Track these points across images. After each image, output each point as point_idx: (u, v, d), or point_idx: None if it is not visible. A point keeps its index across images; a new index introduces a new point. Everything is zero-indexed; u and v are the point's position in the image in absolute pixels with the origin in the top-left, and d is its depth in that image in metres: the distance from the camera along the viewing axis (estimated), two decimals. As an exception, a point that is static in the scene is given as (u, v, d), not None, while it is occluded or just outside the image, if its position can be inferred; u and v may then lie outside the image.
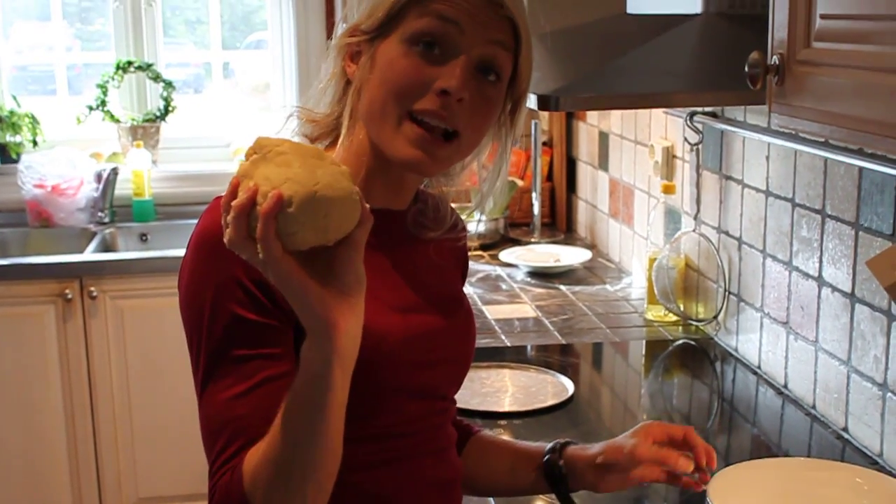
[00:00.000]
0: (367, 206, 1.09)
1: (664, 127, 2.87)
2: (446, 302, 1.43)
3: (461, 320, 1.45)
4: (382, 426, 1.32)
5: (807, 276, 2.08)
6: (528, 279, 3.16)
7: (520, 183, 3.79)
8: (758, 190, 2.28)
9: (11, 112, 4.09)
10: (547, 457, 1.49)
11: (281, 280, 1.05)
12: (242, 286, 1.16)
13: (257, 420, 1.17)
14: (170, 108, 4.21)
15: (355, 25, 1.30)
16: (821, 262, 2.03)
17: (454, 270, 1.50)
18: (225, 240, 1.05)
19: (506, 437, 1.60)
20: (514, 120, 1.36)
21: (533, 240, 3.62)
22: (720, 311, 2.52)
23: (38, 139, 4.14)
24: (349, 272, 1.08)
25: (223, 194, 1.26)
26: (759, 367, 2.33)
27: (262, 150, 1.08)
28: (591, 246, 3.53)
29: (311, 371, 1.09)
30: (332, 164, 1.08)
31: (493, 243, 3.54)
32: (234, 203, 1.04)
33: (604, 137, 3.44)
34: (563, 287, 3.06)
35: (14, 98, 4.15)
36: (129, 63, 4.16)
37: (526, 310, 2.84)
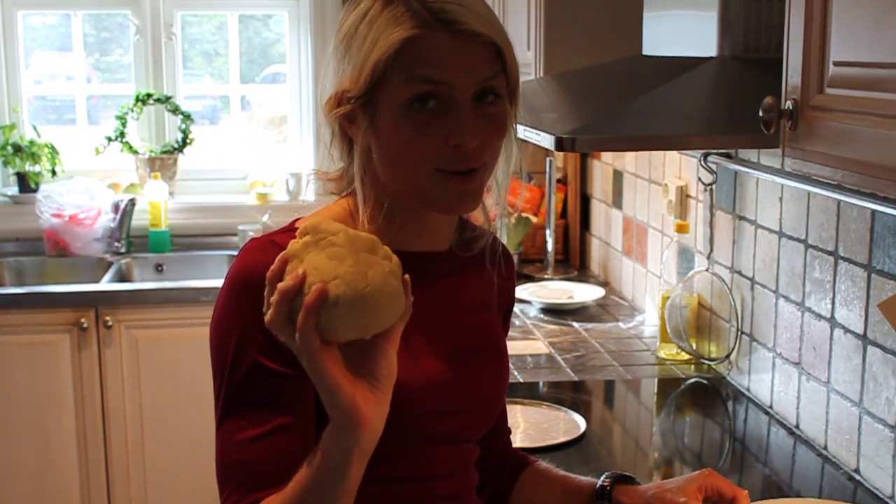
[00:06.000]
0: (412, 298, 1.11)
1: (678, 166, 2.89)
2: (480, 345, 1.43)
3: (492, 366, 1.45)
4: (400, 469, 1.33)
5: (819, 317, 2.09)
6: (541, 315, 3.17)
7: (534, 220, 3.80)
8: (771, 231, 2.30)
9: (31, 142, 4.14)
10: (598, 501, 1.49)
11: (313, 372, 1.07)
12: (266, 334, 1.15)
13: (267, 467, 1.21)
14: (188, 141, 4.24)
15: (342, 92, 1.28)
16: (833, 303, 2.04)
17: (496, 310, 1.49)
18: (266, 319, 1.07)
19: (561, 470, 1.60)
20: (514, 104, 1.34)
21: (546, 276, 3.63)
22: (732, 350, 2.52)
23: (57, 169, 4.18)
24: (382, 366, 1.10)
25: (259, 235, 1.29)
26: (770, 407, 2.33)
27: (316, 235, 1.08)
28: (605, 283, 3.54)
29: (330, 459, 1.11)
30: (384, 257, 1.09)
31: (507, 279, 3.54)
32: (279, 286, 1.06)
33: (618, 176, 3.46)
34: (575, 324, 3.07)
35: (34, 128, 4.20)
36: (149, 95, 4.21)
37: (538, 346, 2.85)
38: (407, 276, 1.11)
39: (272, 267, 1.08)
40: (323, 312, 1.04)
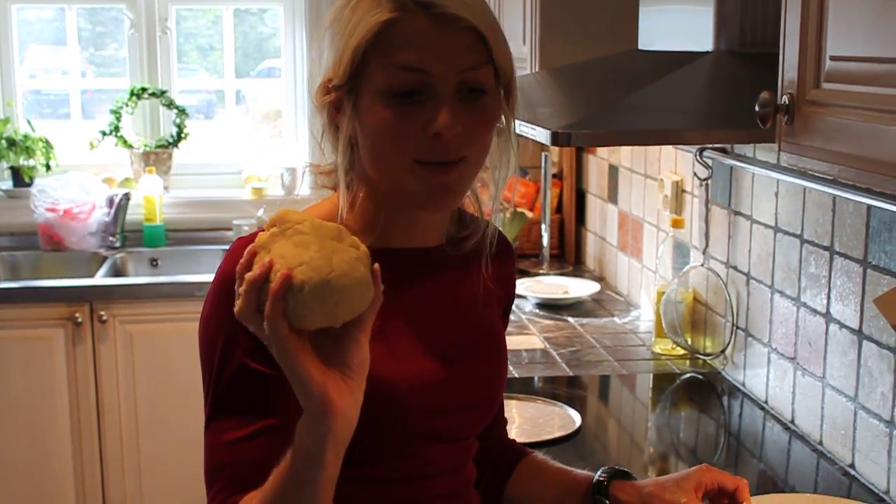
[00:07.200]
0: (381, 287, 1.09)
1: (674, 161, 2.89)
2: (478, 342, 1.41)
3: (490, 363, 1.43)
4: (397, 469, 1.33)
5: (815, 312, 2.09)
6: (537, 310, 3.16)
7: (529, 214, 3.80)
8: (766, 226, 2.30)
9: (25, 136, 4.13)
10: (595, 496, 1.48)
11: (283, 360, 1.06)
12: (252, 335, 1.13)
13: (253, 468, 1.20)
14: (182, 135, 4.24)
15: (327, 81, 1.27)
16: (829, 298, 2.04)
17: (496, 305, 1.47)
18: (235, 310, 1.07)
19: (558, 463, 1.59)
20: (511, 103, 1.32)
21: (542, 271, 3.63)
22: (728, 345, 2.52)
23: (52, 163, 4.17)
24: (354, 354, 1.09)
25: (246, 235, 1.28)
26: (766, 402, 2.33)
27: (282, 225, 1.09)
28: (600, 278, 3.54)
29: (304, 449, 1.10)
30: (350, 245, 1.09)
31: (502, 274, 3.54)
32: (246, 276, 1.05)
33: (613, 170, 3.46)
34: (571, 319, 3.07)
35: (28, 122, 4.19)
36: (143, 90, 4.20)
37: (534, 341, 2.85)
38: (377, 265, 1.09)
39: (241, 260, 1.08)
40: (289, 299, 1.04)
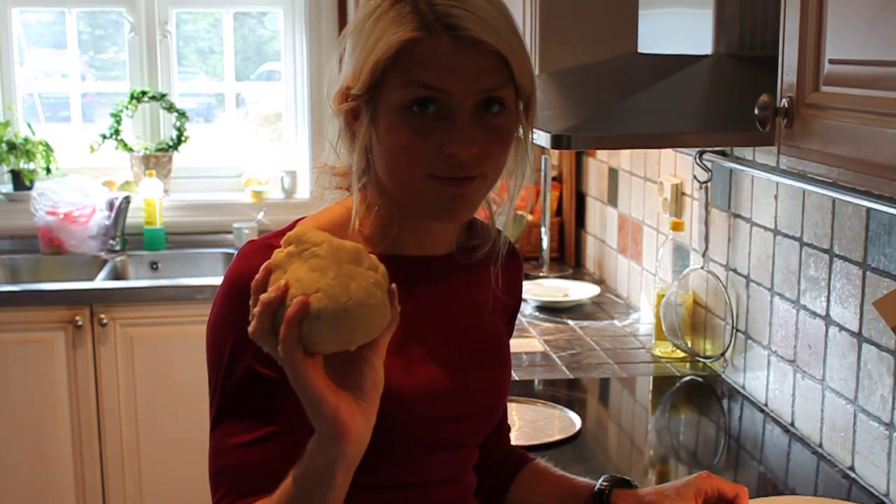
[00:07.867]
0: (398, 308, 1.09)
1: (673, 164, 2.89)
2: (481, 350, 1.41)
3: (493, 371, 1.43)
4: (398, 476, 1.32)
5: (814, 314, 2.09)
6: (537, 313, 3.16)
7: (529, 217, 3.80)
8: (766, 228, 2.30)
9: (25, 139, 4.13)
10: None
11: (297, 383, 1.06)
12: None
13: (258, 472, 1.20)
14: (183, 139, 4.24)
15: (346, 88, 1.26)
16: (828, 301, 2.04)
17: (501, 312, 1.48)
18: (249, 330, 1.06)
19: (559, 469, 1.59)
20: (530, 116, 1.31)
21: (541, 274, 3.63)
22: (728, 348, 2.52)
23: (52, 166, 4.17)
24: (368, 377, 1.09)
25: (257, 238, 1.27)
26: (766, 405, 2.33)
27: (299, 245, 1.07)
28: (600, 281, 3.54)
29: (315, 468, 1.10)
30: (369, 267, 1.07)
31: (502, 277, 3.53)
32: (262, 297, 1.05)
33: (613, 173, 3.46)
34: (571, 322, 3.07)
35: (28, 125, 4.19)
36: (143, 93, 4.20)
37: (534, 344, 2.85)
38: (394, 285, 1.09)
39: (256, 276, 1.08)
40: (305, 325, 1.03)
